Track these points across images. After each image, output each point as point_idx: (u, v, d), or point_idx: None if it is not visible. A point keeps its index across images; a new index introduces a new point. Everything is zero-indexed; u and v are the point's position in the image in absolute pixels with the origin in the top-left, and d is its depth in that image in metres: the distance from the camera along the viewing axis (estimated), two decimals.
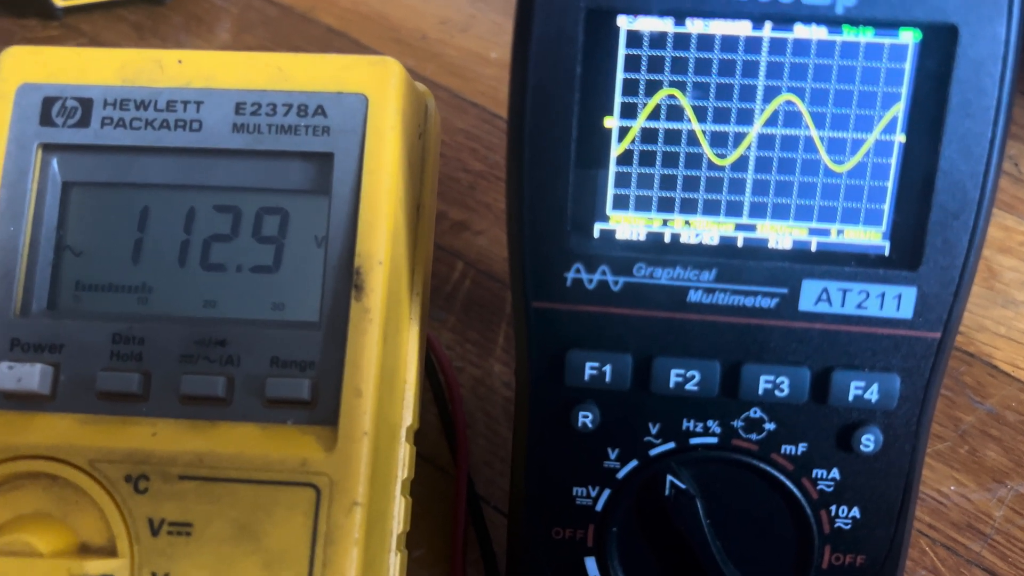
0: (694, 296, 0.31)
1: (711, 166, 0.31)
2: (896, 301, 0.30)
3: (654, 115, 0.30)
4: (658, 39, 0.30)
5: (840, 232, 0.31)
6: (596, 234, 0.31)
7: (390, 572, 0.32)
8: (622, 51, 0.30)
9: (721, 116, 0.30)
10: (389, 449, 0.32)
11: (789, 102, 0.30)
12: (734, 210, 0.31)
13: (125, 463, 0.30)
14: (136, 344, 0.31)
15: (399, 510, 0.32)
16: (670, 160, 0.31)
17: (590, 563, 0.33)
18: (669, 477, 0.32)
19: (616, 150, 0.31)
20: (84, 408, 0.31)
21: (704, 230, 0.31)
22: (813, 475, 0.32)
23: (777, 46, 0.30)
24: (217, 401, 0.31)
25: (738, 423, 0.32)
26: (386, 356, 0.31)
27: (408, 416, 0.33)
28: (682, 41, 0.30)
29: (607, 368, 0.31)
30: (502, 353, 0.47)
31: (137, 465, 0.30)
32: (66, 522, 0.30)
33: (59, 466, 0.30)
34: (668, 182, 0.31)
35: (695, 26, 0.30)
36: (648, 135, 0.31)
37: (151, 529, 0.30)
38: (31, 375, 0.31)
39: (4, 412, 0.31)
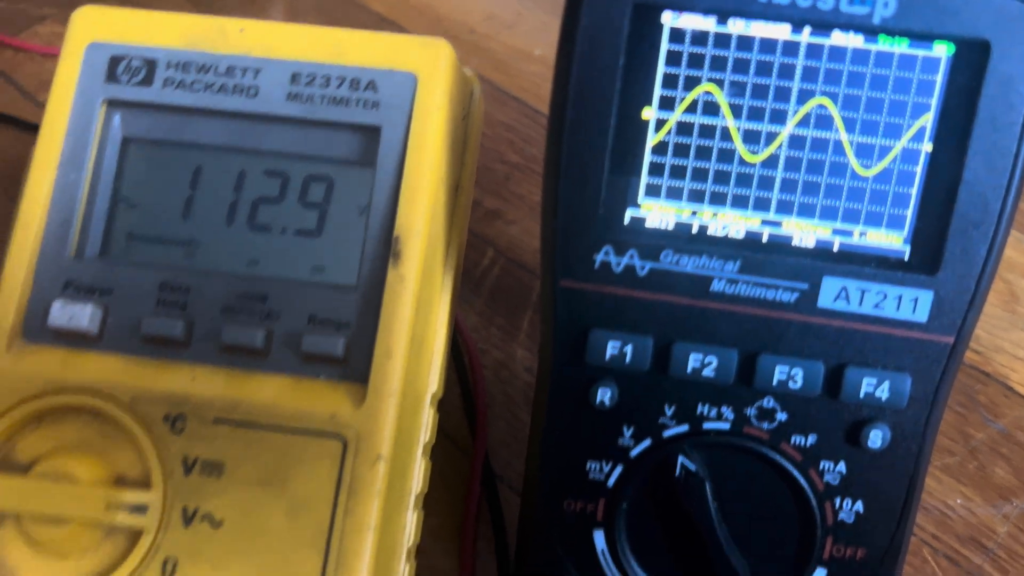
0: (717, 285, 0.32)
1: (742, 162, 0.32)
2: (912, 304, 0.31)
3: (691, 109, 0.32)
4: (700, 37, 0.31)
5: (863, 234, 0.32)
6: (627, 220, 0.32)
7: (407, 527, 0.33)
8: (664, 46, 0.31)
9: (755, 114, 0.31)
10: (414, 410, 0.33)
11: (822, 105, 0.31)
12: (761, 206, 0.32)
13: (164, 404, 0.31)
14: (182, 293, 0.33)
15: (419, 470, 0.33)
16: (703, 153, 0.32)
17: (598, 536, 0.34)
18: (681, 459, 0.33)
19: (652, 140, 0.32)
20: (129, 350, 0.32)
21: (731, 223, 0.32)
22: (820, 467, 0.33)
23: (814, 51, 0.31)
24: (255, 352, 0.32)
25: (751, 411, 0.33)
26: (417, 322, 0.32)
27: (433, 383, 0.34)
28: (723, 40, 0.31)
29: (628, 349, 0.32)
30: (525, 339, 0.48)
31: (175, 406, 0.31)
32: (105, 455, 0.31)
33: (102, 402, 0.31)
34: (700, 175, 0.32)
35: (736, 26, 0.31)
36: (684, 128, 0.32)
37: (184, 467, 0.31)
38: (81, 315, 0.32)
39: (54, 348, 0.32)
